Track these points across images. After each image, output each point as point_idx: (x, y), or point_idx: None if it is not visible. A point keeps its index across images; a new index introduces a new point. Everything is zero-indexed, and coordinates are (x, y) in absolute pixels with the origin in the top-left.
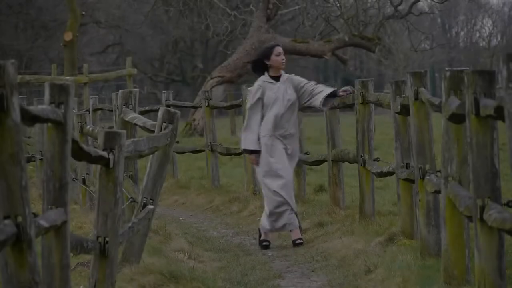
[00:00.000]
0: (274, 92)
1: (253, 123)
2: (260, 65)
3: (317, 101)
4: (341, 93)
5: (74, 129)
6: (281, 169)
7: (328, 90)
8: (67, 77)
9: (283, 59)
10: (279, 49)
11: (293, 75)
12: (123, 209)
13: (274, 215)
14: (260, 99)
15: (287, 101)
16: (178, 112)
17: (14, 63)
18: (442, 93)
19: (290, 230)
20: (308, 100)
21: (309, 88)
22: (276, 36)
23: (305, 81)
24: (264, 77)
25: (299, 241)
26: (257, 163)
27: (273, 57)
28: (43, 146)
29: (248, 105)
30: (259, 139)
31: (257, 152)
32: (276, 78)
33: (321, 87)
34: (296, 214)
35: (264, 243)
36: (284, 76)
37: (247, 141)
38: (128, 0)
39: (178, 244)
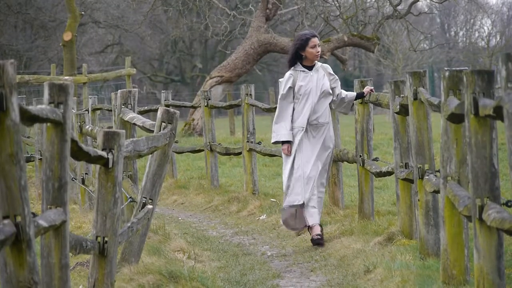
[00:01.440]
0: (307, 82)
1: (285, 114)
2: (295, 56)
3: (347, 109)
4: (365, 93)
5: (73, 129)
6: (306, 166)
7: (353, 94)
8: (66, 77)
9: (318, 52)
10: (314, 41)
11: (327, 64)
12: (122, 209)
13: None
14: (291, 88)
15: (320, 91)
16: (177, 112)
17: (13, 63)
18: (441, 93)
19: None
20: (334, 102)
21: (338, 86)
22: (275, 36)
23: (336, 76)
24: (296, 66)
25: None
26: (290, 153)
27: (308, 48)
28: (42, 146)
29: (279, 96)
30: (291, 129)
31: (289, 142)
32: (309, 68)
33: (344, 92)
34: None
35: (315, 238)
36: (318, 64)
37: (280, 134)
38: (127, 0)
39: (177, 244)
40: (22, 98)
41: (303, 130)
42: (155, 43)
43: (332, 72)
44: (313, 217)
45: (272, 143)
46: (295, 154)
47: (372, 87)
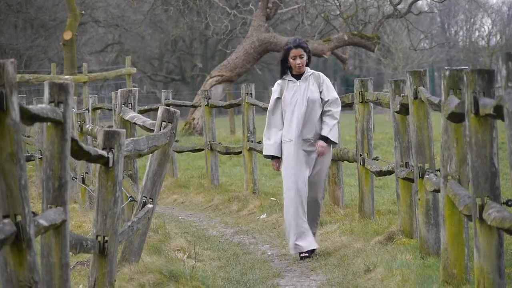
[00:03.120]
0: (294, 92)
1: (273, 126)
2: (282, 65)
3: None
4: (318, 148)
5: (73, 128)
6: (298, 179)
7: (324, 130)
8: (67, 76)
9: (298, 64)
10: (294, 52)
11: (321, 73)
12: (123, 208)
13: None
14: (279, 98)
15: (307, 101)
16: (178, 111)
17: (13, 62)
18: (441, 92)
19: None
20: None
21: (325, 103)
22: (275, 35)
23: (327, 91)
24: (286, 76)
25: (302, 254)
26: (278, 169)
27: (289, 59)
28: (43, 145)
29: (269, 107)
30: (280, 143)
31: (278, 157)
32: (298, 77)
33: (327, 120)
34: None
35: (302, 255)
36: (308, 72)
37: (267, 147)
38: None
39: (178, 243)
40: (22, 97)
41: (291, 142)
42: (155, 42)
43: (323, 82)
44: (305, 240)
45: (264, 156)
46: (287, 170)
47: (322, 148)
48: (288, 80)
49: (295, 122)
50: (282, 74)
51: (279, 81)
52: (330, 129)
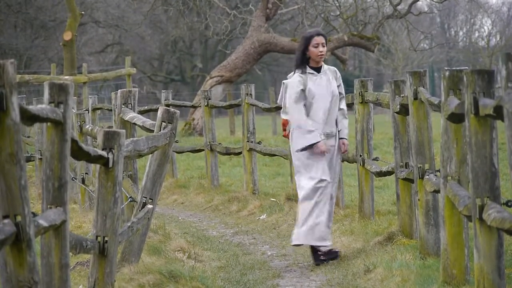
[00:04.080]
0: (318, 85)
1: (303, 118)
2: (301, 57)
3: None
4: (346, 147)
5: (73, 128)
6: (320, 175)
7: (344, 132)
8: (67, 77)
9: (320, 51)
10: (317, 40)
11: (334, 68)
12: (122, 208)
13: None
14: (303, 91)
15: (331, 94)
16: (178, 111)
17: (13, 62)
18: (441, 93)
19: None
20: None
21: (341, 98)
22: (275, 36)
23: (342, 86)
24: (304, 69)
25: (321, 257)
26: (328, 150)
27: (310, 47)
28: (43, 146)
29: (289, 100)
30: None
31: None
32: (317, 69)
33: (343, 121)
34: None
35: (321, 258)
36: (324, 66)
37: (310, 139)
38: None
39: (178, 244)
40: (22, 97)
41: (321, 136)
42: (155, 42)
43: (339, 77)
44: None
45: (301, 150)
46: (316, 165)
47: (348, 147)
48: (309, 73)
49: (321, 115)
50: (301, 65)
51: (300, 75)
52: (347, 130)
